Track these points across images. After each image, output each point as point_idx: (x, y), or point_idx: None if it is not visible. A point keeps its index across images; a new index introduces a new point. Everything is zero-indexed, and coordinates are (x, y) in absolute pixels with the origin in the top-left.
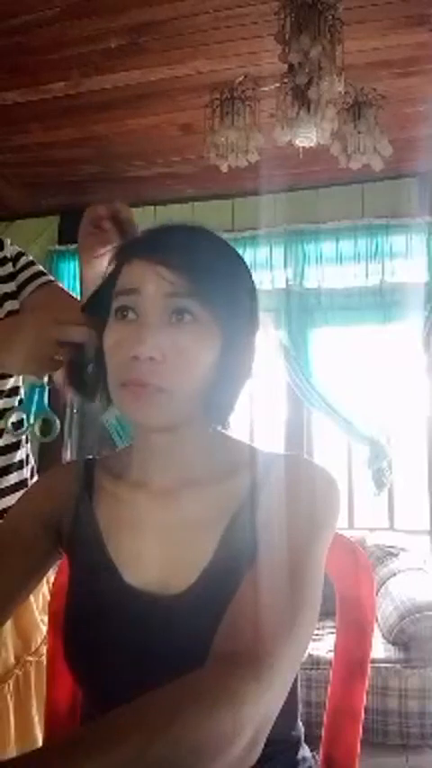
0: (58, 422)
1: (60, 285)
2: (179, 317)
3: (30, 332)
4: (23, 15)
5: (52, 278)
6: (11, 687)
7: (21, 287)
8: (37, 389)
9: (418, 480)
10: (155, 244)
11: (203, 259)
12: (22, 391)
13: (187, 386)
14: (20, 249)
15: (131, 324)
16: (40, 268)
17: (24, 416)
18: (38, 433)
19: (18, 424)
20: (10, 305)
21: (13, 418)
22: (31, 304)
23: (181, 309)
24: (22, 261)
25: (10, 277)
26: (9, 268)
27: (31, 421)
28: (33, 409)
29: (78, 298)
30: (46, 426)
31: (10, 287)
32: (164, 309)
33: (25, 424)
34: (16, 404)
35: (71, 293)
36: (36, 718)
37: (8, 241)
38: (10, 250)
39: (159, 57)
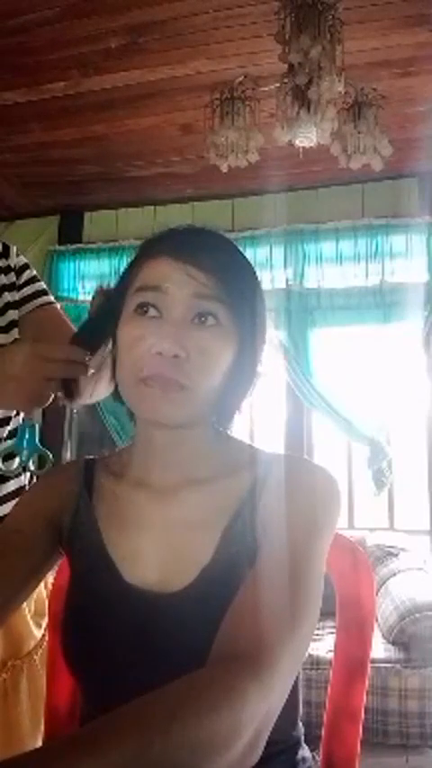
0: (51, 456)
1: (58, 307)
2: (202, 320)
3: (18, 370)
4: (23, 15)
5: (52, 298)
6: None
7: (23, 301)
8: (28, 429)
9: (418, 480)
10: (183, 243)
11: (230, 264)
12: (11, 423)
13: (206, 385)
14: (26, 261)
15: (153, 320)
16: (43, 286)
17: (18, 454)
18: (33, 468)
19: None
20: (13, 314)
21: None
22: (29, 325)
23: (205, 312)
24: (26, 275)
25: (12, 287)
26: (12, 278)
27: (24, 459)
28: (26, 447)
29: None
30: (41, 461)
31: (12, 296)
32: (189, 309)
33: (18, 461)
34: (5, 435)
35: (67, 319)
36: (27, 724)
37: (14, 249)
38: (16, 260)
39: (159, 57)
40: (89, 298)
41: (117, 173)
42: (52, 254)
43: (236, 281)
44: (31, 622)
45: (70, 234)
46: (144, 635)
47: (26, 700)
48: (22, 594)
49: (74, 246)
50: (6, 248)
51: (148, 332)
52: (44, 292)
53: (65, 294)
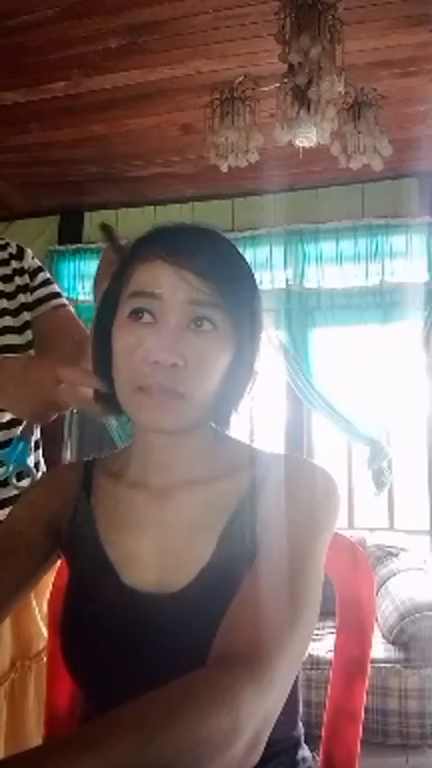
0: (35, 472)
1: (71, 309)
2: (198, 325)
3: (29, 385)
4: (23, 15)
5: (65, 300)
6: (5, 691)
7: (37, 302)
8: (22, 442)
9: (418, 480)
10: (176, 245)
11: (226, 266)
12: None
13: (204, 391)
14: (39, 264)
15: (148, 327)
16: (56, 288)
17: (5, 464)
18: (14, 481)
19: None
20: (28, 315)
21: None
22: (42, 327)
23: (202, 318)
24: (41, 277)
25: (26, 288)
26: (26, 279)
27: (10, 470)
28: (14, 460)
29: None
30: (22, 475)
31: (27, 297)
32: (184, 316)
33: (1, 470)
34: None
35: (79, 321)
36: (32, 723)
37: (29, 252)
38: (30, 263)
39: (159, 57)
40: (89, 298)
41: (117, 173)
42: (52, 254)
43: (232, 284)
44: (41, 623)
45: (70, 234)
46: (143, 637)
47: (33, 700)
48: (20, 596)
49: (74, 246)
50: (21, 251)
51: (143, 339)
52: (58, 294)
53: (65, 294)
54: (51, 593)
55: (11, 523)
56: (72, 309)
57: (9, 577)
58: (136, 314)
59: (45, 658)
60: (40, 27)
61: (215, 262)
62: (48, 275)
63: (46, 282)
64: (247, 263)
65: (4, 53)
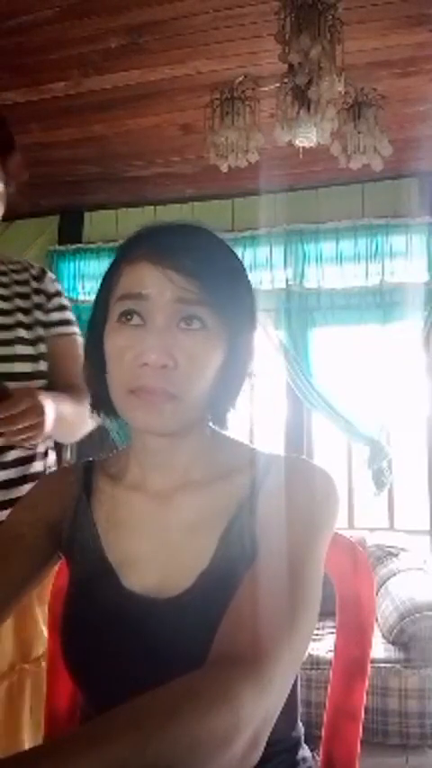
0: None
1: (76, 339)
2: (188, 324)
3: None
4: (23, 15)
5: (74, 329)
6: (2, 693)
7: (49, 325)
8: None
9: (418, 480)
10: (162, 246)
11: (212, 263)
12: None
13: (197, 392)
14: (59, 288)
15: (138, 329)
16: (68, 315)
17: None
18: None
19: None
20: (41, 331)
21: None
22: (49, 352)
23: (190, 316)
24: (55, 302)
25: (41, 306)
26: (42, 299)
27: None
28: None
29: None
30: None
31: (41, 316)
32: (173, 315)
33: None
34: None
35: (77, 352)
36: (27, 727)
37: (50, 275)
38: (48, 285)
39: (159, 57)
40: (89, 298)
41: (117, 173)
42: (52, 254)
43: (219, 282)
44: (43, 628)
45: (70, 234)
46: (143, 640)
47: (28, 705)
48: (21, 598)
49: (74, 246)
50: (42, 273)
51: (133, 341)
52: (68, 322)
53: (65, 294)
54: (52, 595)
55: (12, 525)
56: (79, 339)
57: (10, 579)
58: (125, 316)
59: (44, 663)
60: (40, 27)
61: (201, 259)
62: (64, 302)
63: (60, 308)
64: (237, 259)
65: (4, 53)
